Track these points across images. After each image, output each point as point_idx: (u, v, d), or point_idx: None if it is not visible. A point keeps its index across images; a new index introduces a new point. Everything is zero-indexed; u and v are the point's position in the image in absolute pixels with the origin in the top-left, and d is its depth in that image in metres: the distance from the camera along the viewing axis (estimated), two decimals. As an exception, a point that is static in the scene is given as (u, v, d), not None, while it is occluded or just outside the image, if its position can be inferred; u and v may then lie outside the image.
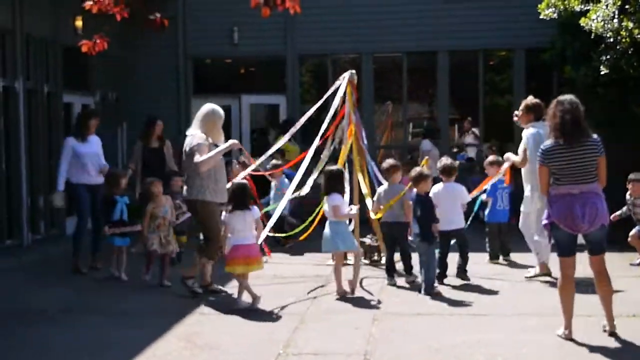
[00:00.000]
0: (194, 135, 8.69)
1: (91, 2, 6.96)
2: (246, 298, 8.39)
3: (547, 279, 9.49)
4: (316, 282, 9.60)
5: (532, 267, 9.92)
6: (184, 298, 8.80)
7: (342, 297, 8.74)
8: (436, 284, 8.99)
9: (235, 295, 8.56)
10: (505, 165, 10.13)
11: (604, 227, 6.80)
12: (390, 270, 9.62)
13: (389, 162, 10.07)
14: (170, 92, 16.53)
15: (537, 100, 9.78)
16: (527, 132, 9.54)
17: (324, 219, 9.45)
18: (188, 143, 8.68)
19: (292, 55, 16.36)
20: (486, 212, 11.05)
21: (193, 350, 6.76)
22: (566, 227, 6.75)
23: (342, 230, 9.00)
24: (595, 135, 6.81)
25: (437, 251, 9.32)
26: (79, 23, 14.47)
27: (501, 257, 10.94)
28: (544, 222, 6.99)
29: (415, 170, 9.37)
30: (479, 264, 10.33)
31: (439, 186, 9.65)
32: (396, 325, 7.55)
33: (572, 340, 6.81)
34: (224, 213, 8.58)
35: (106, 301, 8.79)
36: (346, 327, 7.45)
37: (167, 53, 16.46)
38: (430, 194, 9.32)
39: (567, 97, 6.93)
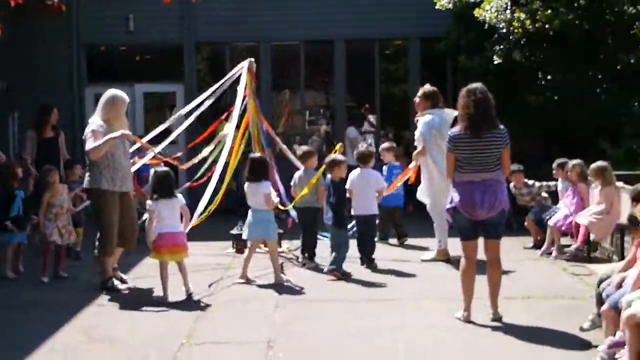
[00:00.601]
0: (91, 122, 8.45)
1: None
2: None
3: (446, 264, 9.78)
4: (217, 271, 9.52)
5: (427, 249, 10.17)
6: (80, 290, 8.60)
7: (246, 282, 8.76)
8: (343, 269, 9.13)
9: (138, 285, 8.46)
10: (413, 164, 10.33)
11: (503, 213, 6.97)
12: (311, 255, 9.78)
13: (303, 148, 10.15)
14: (63, 80, 16.12)
15: (433, 88, 10.02)
16: (422, 120, 9.79)
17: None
18: (85, 130, 8.46)
19: (189, 43, 16.20)
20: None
21: (92, 344, 6.61)
22: (466, 213, 6.89)
23: (270, 217, 8.99)
24: (501, 126, 6.95)
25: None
26: (-34, 8, 13.93)
27: (397, 241, 11.14)
28: (447, 206, 7.12)
29: (329, 157, 9.49)
30: (380, 249, 10.41)
31: (355, 172, 9.74)
32: (299, 311, 7.59)
33: (471, 322, 6.97)
34: (149, 201, 8.36)
35: (-1, 295, 8.53)
36: (250, 315, 7.44)
37: (61, 41, 16.04)
38: (349, 180, 9.44)
39: (477, 86, 6.98)
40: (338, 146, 10.27)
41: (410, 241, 11.23)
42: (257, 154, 9.50)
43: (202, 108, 11.15)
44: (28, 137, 11.37)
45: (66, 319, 7.32)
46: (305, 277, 9.18)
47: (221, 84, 11.05)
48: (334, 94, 16.60)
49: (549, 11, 11.84)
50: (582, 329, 6.50)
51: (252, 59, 10.94)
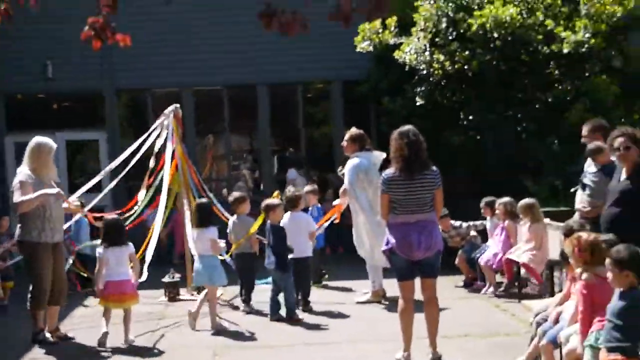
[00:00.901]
0: (19, 172, 8.24)
1: None
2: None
3: (379, 305, 9.84)
4: (152, 321, 9.36)
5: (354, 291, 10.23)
6: (12, 345, 8.34)
7: (192, 329, 8.69)
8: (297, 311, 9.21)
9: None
10: (338, 201, 10.41)
11: (439, 253, 7.08)
12: (247, 299, 9.80)
13: (235, 194, 10.18)
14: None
15: (360, 131, 10.17)
16: (350, 162, 9.96)
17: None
18: (13, 182, 8.24)
19: (110, 90, 16.01)
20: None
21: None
22: (402, 254, 6.95)
23: (217, 263, 8.94)
24: (434, 167, 7.07)
25: None
26: None
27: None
28: (383, 248, 7.16)
29: (265, 201, 9.59)
30: (314, 292, 10.39)
31: (286, 216, 9.72)
32: (238, 359, 7.51)
33: (411, 364, 7.02)
34: (98, 249, 8.24)
35: None
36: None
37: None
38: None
39: (409, 128, 7.11)
40: (275, 193, 10.28)
41: (342, 283, 11.23)
42: (204, 200, 9.49)
43: (134, 160, 10.98)
44: None
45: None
46: (243, 322, 9.10)
47: (149, 133, 10.95)
48: (258, 138, 16.58)
49: (467, 52, 12.14)
50: (517, 366, 6.63)
51: (178, 105, 10.94)
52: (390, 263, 7.28)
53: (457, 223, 11.18)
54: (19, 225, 8.30)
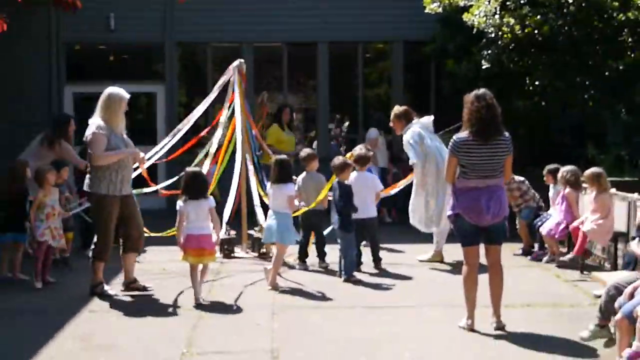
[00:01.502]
0: (91, 123, 8.16)
1: None
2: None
3: (444, 266, 9.88)
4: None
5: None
6: (70, 295, 8.39)
7: (274, 288, 8.62)
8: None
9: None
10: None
11: (505, 219, 6.95)
12: (303, 257, 9.79)
13: (306, 151, 10.11)
14: (42, 79, 15.84)
15: (403, 107, 10.29)
16: (406, 137, 9.96)
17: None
18: (86, 132, 8.16)
19: (170, 43, 15.96)
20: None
21: (92, 352, 6.44)
22: (471, 220, 6.82)
23: (290, 222, 8.86)
24: (506, 133, 6.89)
25: None
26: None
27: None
28: (449, 213, 7.06)
29: (339, 159, 9.51)
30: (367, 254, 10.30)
31: (352, 175, 9.64)
32: (297, 319, 7.44)
33: (474, 331, 6.89)
34: (179, 202, 8.17)
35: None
36: (247, 324, 7.28)
37: (40, 39, 15.72)
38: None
39: (484, 91, 6.91)
40: (349, 154, 10.15)
41: (393, 246, 11.14)
42: (283, 156, 9.28)
43: (197, 114, 10.93)
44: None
45: (61, 325, 7.14)
46: (306, 282, 9.05)
47: (217, 88, 10.91)
48: (316, 97, 16.41)
49: (538, 17, 11.79)
50: (582, 339, 6.47)
51: (242, 60, 10.82)
52: (454, 228, 7.14)
53: (521, 178, 10.88)
54: (88, 176, 8.26)
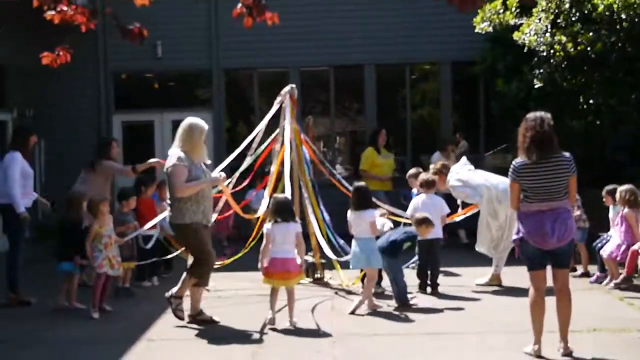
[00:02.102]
0: (171, 154, 8.07)
1: (53, 12, 6.47)
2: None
3: (503, 290, 9.72)
4: (263, 303, 9.25)
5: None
6: (127, 324, 8.36)
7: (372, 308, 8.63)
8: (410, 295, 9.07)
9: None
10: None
11: (572, 242, 6.82)
12: (423, 284, 9.74)
13: (412, 171, 10.45)
14: (90, 107, 15.99)
15: (437, 167, 10.51)
16: (450, 185, 10.15)
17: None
18: (166, 164, 8.08)
19: (217, 70, 16.02)
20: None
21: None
22: (536, 244, 6.69)
23: (374, 246, 8.81)
24: (567, 153, 6.74)
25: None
26: (-7, 38, 13.85)
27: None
28: (514, 237, 6.94)
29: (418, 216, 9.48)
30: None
31: (419, 198, 9.78)
32: (357, 347, 7.31)
33: (541, 357, 6.71)
34: (266, 225, 8.23)
35: (46, 332, 8.19)
36: (307, 351, 7.19)
37: (88, 67, 15.88)
38: (412, 206, 9.55)
39: (537, 114, 6.82)
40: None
41: (448, 269, 10.92)
42: (361, 183, 9.29)
43: (258, 139, 10.91)
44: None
45: (118, 355, 7.10)
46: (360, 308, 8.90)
47: (271, 113, 10.90)
48: (365, 119, 16.31)
49: (591, 34, 11.60)
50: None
51: (293, 85, 10.78)
52: (520, 252, 6.98)
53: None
54: (169, 208, 8.19)
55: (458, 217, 10.76)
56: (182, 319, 8.22)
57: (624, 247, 9.75)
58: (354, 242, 8.84)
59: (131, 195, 10.09)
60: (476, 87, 15.69)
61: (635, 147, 13.62)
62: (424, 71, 17.03)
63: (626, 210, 9.86)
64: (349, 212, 8.91)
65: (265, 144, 10.92)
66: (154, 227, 9.99)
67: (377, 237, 8.94)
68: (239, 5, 5.18)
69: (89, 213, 9.17)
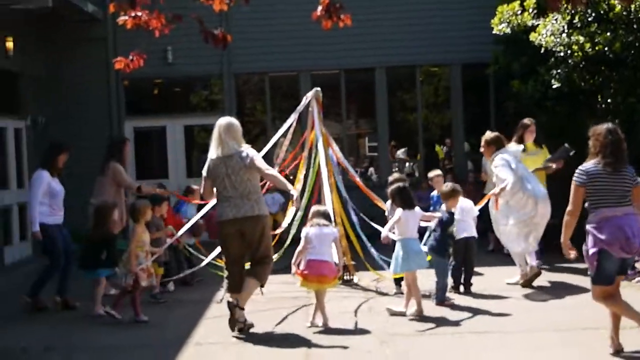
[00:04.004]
0: (247, 147, 8.11)
1: (126, 18, 6.53)
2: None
3: (534, 289, 9.68)
4: (298, 304, 9.33)
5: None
6: (168, 329, 8.41)
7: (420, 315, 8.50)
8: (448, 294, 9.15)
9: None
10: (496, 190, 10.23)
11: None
12: (457, 283, 9.74)
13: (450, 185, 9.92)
14: (101, 114, 15.99)
15: (495, 134, 10.16)
16: (494, 163, 9.89)
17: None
18: (245, 156, 7.98)
19: (228, 74, 16.07)
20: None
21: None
22: (621, 250, 6.62)
23: (420, 247, 8.78)
24: (629, 166, 6.87)
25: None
26: (9, 44, 13.84)
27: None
28: (591, 251, 6.74)
29: (448, 186, 9.62)
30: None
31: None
32: (406, 346, 7.35)
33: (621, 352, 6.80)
34: (304, 228, 8.29)
35: (90, 337, 8.21)
36: (357, 351, 7.23)
37: (99, 73, 15.91)
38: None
39: (614, 126, 6.93)
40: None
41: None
42: (400, 183, 9.13)
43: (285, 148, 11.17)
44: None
45: (172, 359, 7.14)
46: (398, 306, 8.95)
47: (294, 116, 11.00)
48: (375, 122, 16.40)
49: (608, 34, 11.73)
50: None
51: (318, 88, 10.87)
52: (597, 266, 6.73)
53: None
54: (242, 202, 8.02)
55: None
56: (243, 330, 8.02)
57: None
58: (400, 244, 8.67)
59: (163, 200, 10.11)
60: (487, 88, 15.78)
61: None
62: (433, 73, 17.12)
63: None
64: (400, 213, 8.69)
65: (284, 147, 11.02)
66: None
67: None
68: (319, 8, 5.22)
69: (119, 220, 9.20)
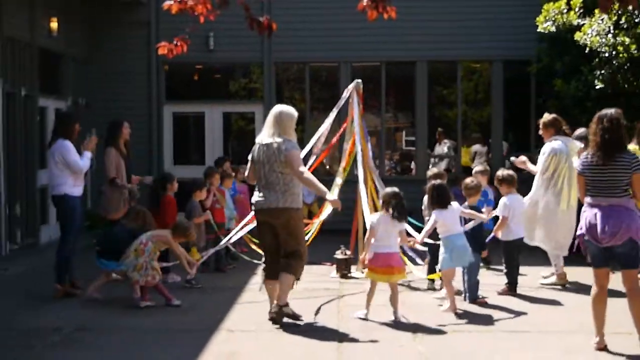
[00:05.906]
0: (288, 140, 7.99)
1: (171, 2, 6.54)
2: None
3: (569, 290, 9.67)
4: (331, 295, 9.35)
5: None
6: (200, 314, 8.48)
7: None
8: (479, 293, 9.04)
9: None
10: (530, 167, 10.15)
11: (632, 242, 6.76)
12: (514, 284, 9.54)
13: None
14: (141, 98, 16.08)
15: (553, 116, 10.01)
16: (549, 146, 9.76)
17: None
18: (283, 149, 7.89)
19: (269, 62, 16.07)
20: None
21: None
22: (590, 238, 6.87)
23: (466, 242, 8.66)
24: (630, 150, 6.91)
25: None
26: (54, 25, 13.99)
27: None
28: (578, 233, 7.12)
29: (472, 180, 9.54)
30: (488, 275, 10.18)
31: (509, 197, 9.48)
32: (440, 342, 7.36)
33: (604, 349, 6.87)
34: (371, 218, 8.29)
35: (122, 320, 8.29)
36: (390, 345, 7.24)
37: (140, 57, 16.02)
38: (502, 205, 9.42)
39: (609, 113, 6.91)
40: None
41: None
42: (437, 181, 9.04)
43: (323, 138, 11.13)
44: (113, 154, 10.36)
45: (201, 344, 7.21)
46: (427, 303, 9.02)
47: (336, 108, 11.05)
48: (415, 115, 16.33)
49: (655, 36, 11.60)
50: None
51: (359, 80, 10.84)
52: (584, 249, 7.13)
53: None
54: (285, 193, 7.95)
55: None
56: (300, 318, 8.09)
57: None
58: (443, 242, 8.60)
59: (203, 185, 10.20)
60: (528, 85, 15.64)
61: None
62: (475, 68, 16.99)
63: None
64: (434, 217, 8.64)
65: (319, 140, 11.03)
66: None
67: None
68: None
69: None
